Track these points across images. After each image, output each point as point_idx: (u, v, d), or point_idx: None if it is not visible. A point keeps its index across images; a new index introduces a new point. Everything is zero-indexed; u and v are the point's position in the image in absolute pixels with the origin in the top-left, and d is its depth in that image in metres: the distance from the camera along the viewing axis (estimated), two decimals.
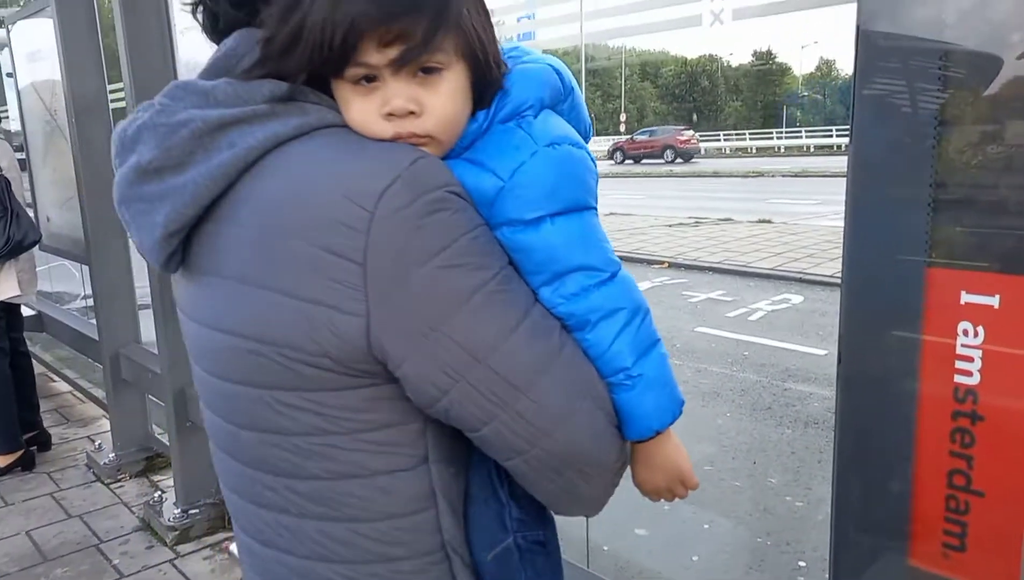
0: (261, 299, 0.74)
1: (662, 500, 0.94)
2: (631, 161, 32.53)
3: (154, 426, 3.74)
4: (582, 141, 0.86)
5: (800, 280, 8.35)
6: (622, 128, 46.03)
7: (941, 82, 0.92)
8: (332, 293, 0.71)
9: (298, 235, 0.71)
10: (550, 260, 0.79)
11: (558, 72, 0.88)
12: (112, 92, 3.50)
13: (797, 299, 7.55)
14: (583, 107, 0.94)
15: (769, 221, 13.01)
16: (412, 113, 0.75)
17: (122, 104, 3.21)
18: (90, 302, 3.97)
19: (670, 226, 13.03)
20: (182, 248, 0.81)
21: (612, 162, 32.57)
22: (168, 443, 3.28)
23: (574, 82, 0.92)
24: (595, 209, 0.84)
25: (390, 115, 0.74)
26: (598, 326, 0.80)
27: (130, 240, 0.86)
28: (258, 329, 0.75)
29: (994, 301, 0.92)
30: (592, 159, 0.86)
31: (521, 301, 0.76)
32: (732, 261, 9.40)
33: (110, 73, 3.49)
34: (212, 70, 0.80)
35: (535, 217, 0.78)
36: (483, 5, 0.80)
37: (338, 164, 0.73)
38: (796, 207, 14.69)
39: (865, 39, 0.97)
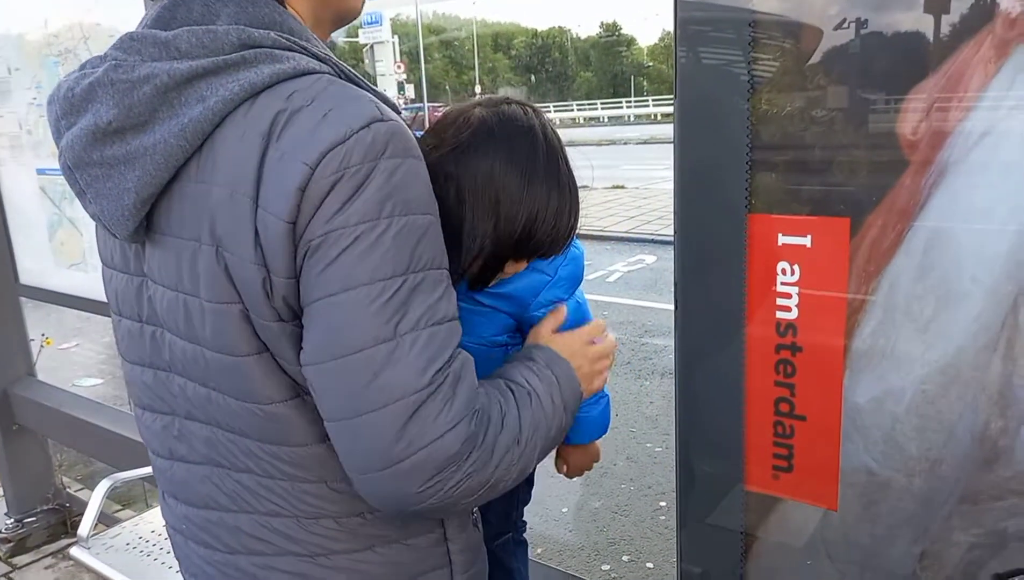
0: (223, 261, 0.72)
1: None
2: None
3: None
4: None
5: (653, 241, 8.76)
6: None
7: (751, 47, 0.99)
8: (279, 261, 0.70)
9: (270, 210, 0.69)
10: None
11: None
12: None
13: (651, 259, 7.92)
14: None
15: (622, 187, 13.52)
16: None
17: None
18: None
19: None
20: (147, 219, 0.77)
21: None
22: None
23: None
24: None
25: None
26: None
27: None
28: (224, 292, 0.73)
29: (806, 241, 1.01)
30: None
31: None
32: (589, 226, 9.70)
33: None
34: (164, 19, 0.75)
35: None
36: None
37: (303, 128, 0.70)
38: (647, 172, 15.33)
39: (683, 8, 1.02)
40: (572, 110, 43.23)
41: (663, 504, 3.11)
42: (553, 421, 0.88)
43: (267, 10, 0.76)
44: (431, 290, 0.74)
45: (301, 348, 0.75)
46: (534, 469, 1.40)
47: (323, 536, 0.84)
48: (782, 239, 1.03)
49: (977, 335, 0.89)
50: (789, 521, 1.13)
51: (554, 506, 3.15)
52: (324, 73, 0.75)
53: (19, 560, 2.77)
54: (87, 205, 0.78)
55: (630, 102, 43.44)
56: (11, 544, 2.79)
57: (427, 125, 1.06)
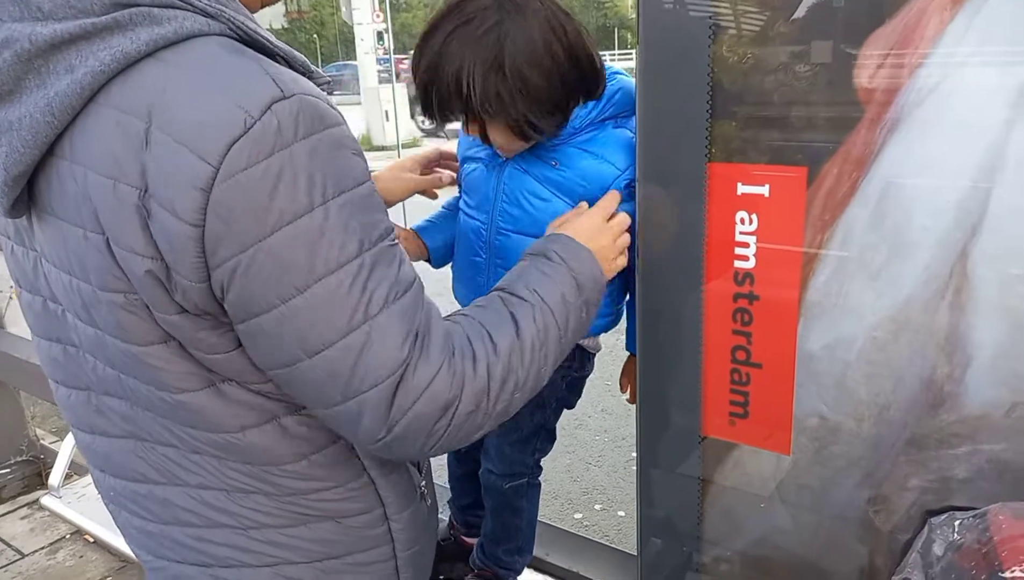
0: (112, 252, 0.67)
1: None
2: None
3: None
4: None
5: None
6: None
7: None
8: (180, 260, 0.65)
9: (162, 205, 0.63)
10: None
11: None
12: None
13: None
14: None
15: None
16: None
17: None
18: None
19: None
20: (28, 188, 0.70)
21: None
22: None
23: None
24: None
25: None
26: None
27: None
28: (117, 283, 0.68)
29: (765, 190, 1.02)
30: None
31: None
32: None
33: None
34: None
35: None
36: None
37: (194, 110, 0.62)
38: None
39: None
40: None
41: (635, 455, 3.17)
42: (569, 322, 0.87)
43: None
44: (388, 262, 0.72)
45: (237, 346, 0.73)
46: (554, 424, 1.48)
47: (255, 511, 0.82)
48: (741, 188, 1.03)
49: (927, 283, 0.91)
50: (745, 466, 1.16)
51: None
52: (213, 35, 0.66)
53: None
54: None
55: (614, 55, 42.95)
56: None
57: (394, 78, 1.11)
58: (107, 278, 0.68)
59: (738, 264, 1.06)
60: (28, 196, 0.71)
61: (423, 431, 0.73)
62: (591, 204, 1.14)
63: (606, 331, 1.42)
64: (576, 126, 1.21)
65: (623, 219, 1.11)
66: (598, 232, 1.04)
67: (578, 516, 2.83)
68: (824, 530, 1.12)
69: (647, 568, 1.34)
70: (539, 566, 1.69)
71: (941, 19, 0.83)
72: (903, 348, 0.95)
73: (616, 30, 54.29)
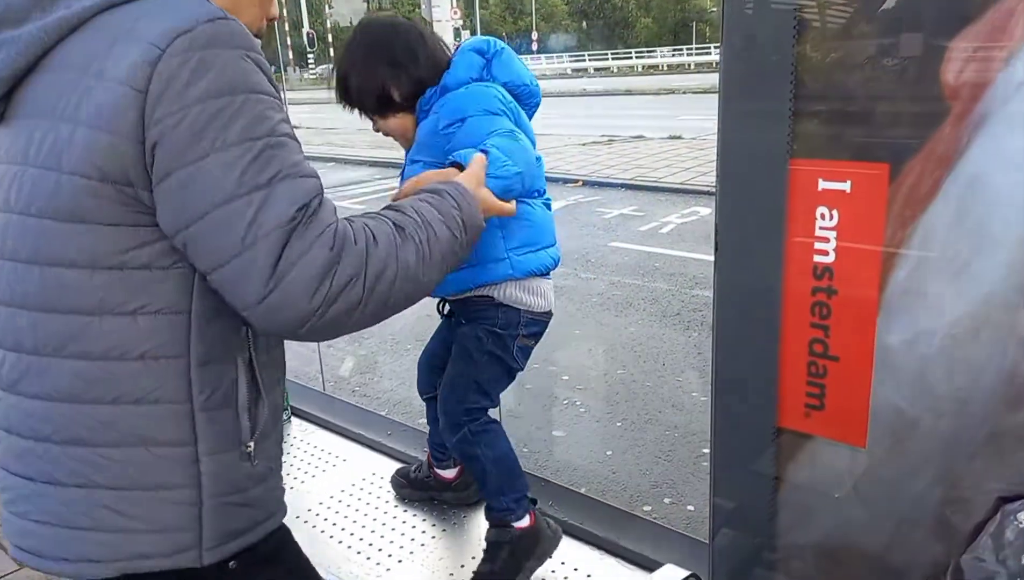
0: (66, 131, 0.81)
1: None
2: None
3: None
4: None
5: (708, 193, 8.61)
6: (534, 47, 45.32)
7: None
8: (121, 121, 0.79)
9: (113, 77, 0.79)
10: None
11: (477, 49, 1.59)
12: None
13: (705, 211, 7.81)
14: (513, 62, 1.61)
15: (679, 137, 13.26)
16: None
17: None
18: None
19: (583, 145, 13.11)
20: (4, 105, 0.87)
21: None
22: None
23: (499, 46, 1.61)
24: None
25: None
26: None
27: None
28: (64, 159, 0.81)
29: (846, 186, 1.04)
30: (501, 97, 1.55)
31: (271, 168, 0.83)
32: (644, 177, 9.60)
33: None
34: None
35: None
36: None
37: (152, 20, 0.82)
38: (705, 123, 14.97)
39: None
40: (631, 58, 42.22)
41: (706, 451, 3.16)
42: (442, 233, 0.98)
43: None
44: (294, 151, 0.85)
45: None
46: (487, 382, 1.65)
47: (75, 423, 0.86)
48: (822, 184, 1.05)
49: (1007, 280, 0.92)
50: (819, 458, 1.18)
51: (598, 448, 3.24)
52: None
53: None
54: None
55: (691, 49, 42.19)
56: None
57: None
58: (83, 164, 0.81)
59: (817, 258, 1.08)
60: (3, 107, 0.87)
61: (306, 291, 0.82)
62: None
63: (504, 280, 1.59)
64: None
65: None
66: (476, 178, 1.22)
67: (647, 508, 2.85)
68: (898, 526, 1.13)
69: (718, 556, 1.36)
70: (611, 549, 1.73)
71: None
72: (983, 344, 0.96)
73: (695, 24, 53.29)
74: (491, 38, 1.64)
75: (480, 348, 1.61)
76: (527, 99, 1.64)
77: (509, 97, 1.56)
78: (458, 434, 1.66)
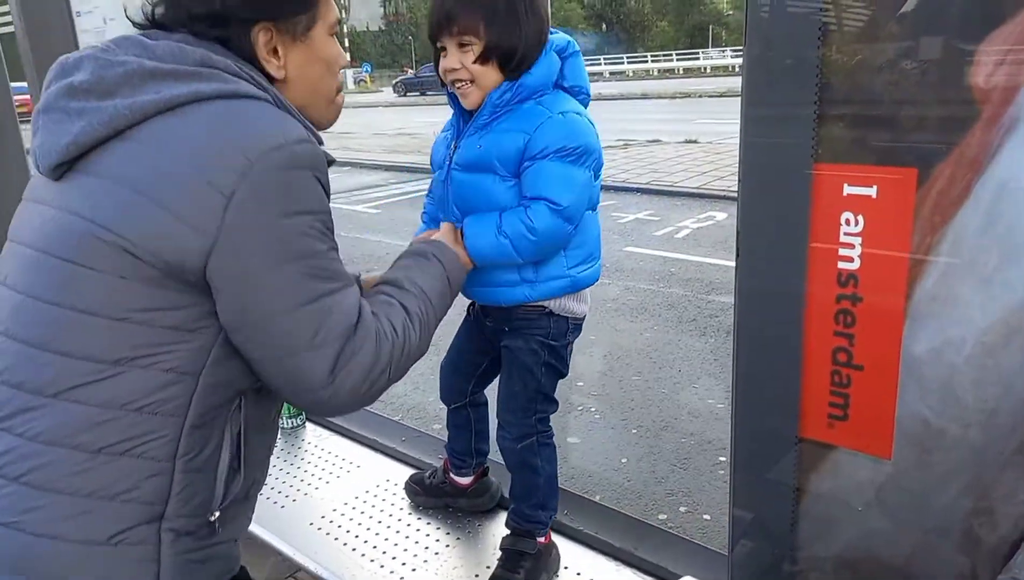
0: (136, 202, 0.83)
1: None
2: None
3: None
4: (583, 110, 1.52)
5: (725, 197, 8.56)
6: None
7: None
8: (195, 214, 0.83)
9: (193, 167, 0.84)
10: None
11: (557, 48, 1.49)
12: None
13: (722, 216, 7.76)
14: (582, 65, 1.56)
15: (695, 141, 13.19)
16: None
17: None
18: None
19: None
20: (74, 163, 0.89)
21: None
22: None
23: (575, 48, 1.53)
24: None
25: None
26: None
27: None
28: (118, 223, 0.83)
29: (872, 192, 1.01)
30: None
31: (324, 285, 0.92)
32: (659, 182, 9.55)
33: None
34: (153, 34, 0.94)
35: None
36: None
37: (242, 126, 0.87)
38: (721, 127, 14.91)
39: None
40: (646, 61, 42.15)
41: (723, 459, 3.13)
42: (440, 293, 1.17)
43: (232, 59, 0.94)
44: (340, 261, 0.95)
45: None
46: (549, 389, 1.67)
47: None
48: (847, 189, 1.03)
49: None
50: (842, 469, 1.16)
51: (613, 455, 3.21)
52: (264, 100, 0.92)
53: None
54: (33, 139, 0.91)
55: (708, 53, 42.06)
56: None
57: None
58: (144, 233, 0.84)
59: (842, 265, 1.06)
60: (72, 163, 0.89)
61: (357, 385, 0.94)
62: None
63: (561, 295, 1.59)
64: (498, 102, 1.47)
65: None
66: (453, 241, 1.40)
67: (662, 517, 2.82)
68: (924, 538, 1.10)
69: (737, 568, 1.34)
70: (627, 559, 1.71)
71: None
72: (1014, 353, 0.93)
73: (711, 28, 53.15)
74: (569, 37, 1.52)
75: (538, 361, 1.62)
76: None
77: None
78: (525, 442, 1.67)
